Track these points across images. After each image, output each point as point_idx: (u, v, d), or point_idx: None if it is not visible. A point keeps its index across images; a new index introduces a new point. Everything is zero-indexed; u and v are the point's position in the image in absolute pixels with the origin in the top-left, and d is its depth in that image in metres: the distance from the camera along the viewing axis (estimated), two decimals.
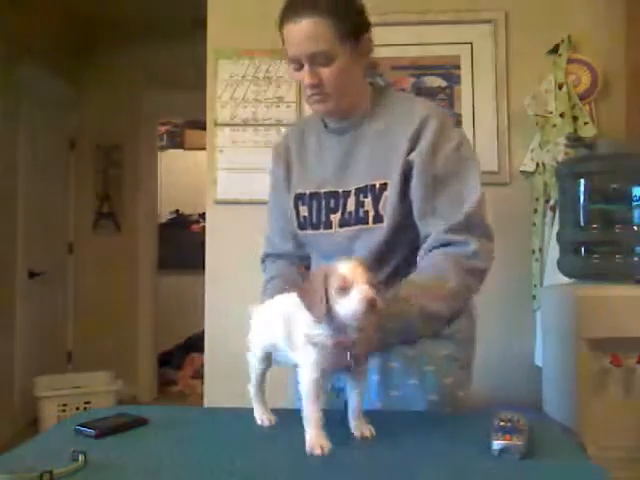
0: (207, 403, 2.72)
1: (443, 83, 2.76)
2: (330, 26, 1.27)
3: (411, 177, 1.30)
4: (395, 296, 1.21)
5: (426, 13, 2.76)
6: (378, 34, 2.86)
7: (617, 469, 1.81)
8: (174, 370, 5.05)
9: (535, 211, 2.64)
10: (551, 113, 2.63)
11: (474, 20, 2.75)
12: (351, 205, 1.35)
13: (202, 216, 5.38)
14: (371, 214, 1.32)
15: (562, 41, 2.68)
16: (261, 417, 1.17)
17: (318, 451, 0.99)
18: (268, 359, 1.19)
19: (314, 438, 1.01)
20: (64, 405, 3.53)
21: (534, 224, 2.64)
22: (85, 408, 3.46)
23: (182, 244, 5.55)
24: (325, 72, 1.30)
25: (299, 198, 1.44)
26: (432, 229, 1.29)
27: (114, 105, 4.70)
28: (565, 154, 2.56)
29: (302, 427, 1.18)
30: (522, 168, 2.69)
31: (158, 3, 4.12)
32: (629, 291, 2.14)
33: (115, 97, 4.70)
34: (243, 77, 2.80)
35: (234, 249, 2.76)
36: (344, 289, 0.98)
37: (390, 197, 1.31)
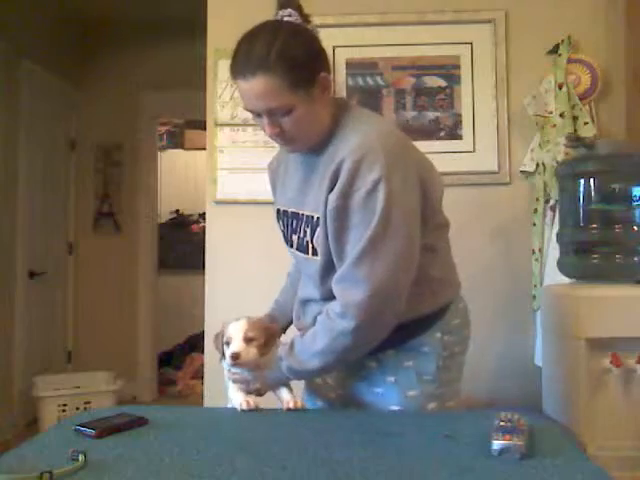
0: (207, 403, 2.72)
1: (443, 83, 2.76)
2: (280, 81, 1.23)
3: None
4: (279, 351, 1.35)
5: (426, 13, 2.76)
6: (378, 34, 2.88)
7: (617, 469, 1.82)
8: (174, 370, 5.05)
9: (535, 211, 2.64)
10: (551, 113, 2.63)
11: (474, 20, 2.75)
12: (302, 232, 1.38)
13: (202, 216, 5.38)
14: (310, 246, 1.35)
15: (562, 41, 2.67)
16: (242, 402, 1.30)
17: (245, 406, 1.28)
18: None
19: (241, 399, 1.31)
20: (64, 405, 3.53)
21: (534, 224, 2.64)
22: (85, 408, 3.46)
23: (182, 244, 5.55)
24: (285, 122, 1.27)
25: (277, 213, 1.50)
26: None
27: (114, 105, 4.70)
28: (565, 154, 2.56)
29: (302, 427, 1.18)
30: (522, 168, 2.69)
31: (158, 3, 4.13)
32: (629, 291, 2.14)
33: (115, 97, 4.70)
34: None
35: (234, 249, 2.76)
36: (227, 343, 1.34)
37: (320, 232, 1.30)
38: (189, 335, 5.11)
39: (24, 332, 3.96)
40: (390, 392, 1.36)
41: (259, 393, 1.36)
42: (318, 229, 1.30)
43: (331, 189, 1.26)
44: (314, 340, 1.30)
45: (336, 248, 1.28)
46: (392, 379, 1.36)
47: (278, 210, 1.49)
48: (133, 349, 4.71)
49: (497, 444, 1.01)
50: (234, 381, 1.36)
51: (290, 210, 1.42)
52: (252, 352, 1.31)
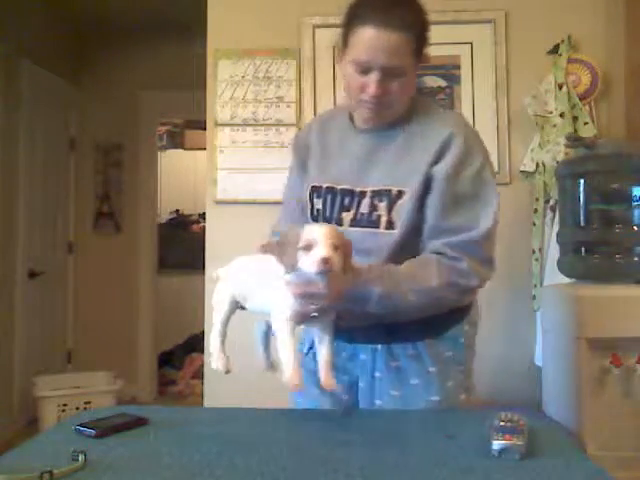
0: (207, 403, 2.72)
1: (443, 83, 2.76)
2: (410, 42, 1.26)
3: (429, 191, 1.29)
4: (367, 270, 1.23)
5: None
6: None
7: (617, 469, 1.81)
8: (174, 370, 5.05)
9: (535, 211, 2.63)
10: (551, 113, 2.63)
11: (474, 20, 2.75)
12: (365, 207, 1.34)
13: (202, 216, 5.38)
14: (384, 219, 1.31)
15: (562, 41, 2.67)
16: (217, 363, 1.24)
17: (293, 389, 1.11)
18: (234, 306, 1.30)
19: (290, 377, 1.11)
20: (64, 405, 3.53)
21: (534, 224, 2.64)
22: (85, 408, 3.46)
23: (182, 244, 5.54)
24: (394, 85, 1.28)
25: (315, 190, 1.42)
26: (435, 244, 1.28)
27: (114, 105, 4.70)
28: (565, 154, 2.56)
29: (302, 427, 1.18)
30: (522, 168, 2.69)
31: (158, 3, 4.12)
32: (629, 291, 2.14)
33: (115, 97, 4.70)
34: (243, 77, 2.80)
35: (234, 249, 2.75)
36: (307, 248, 1.12)
37: (406, 206, 1.29)
38: (189, 335, 5.10)
39: (24, 332, 3.96)
40: (430, 383, 1.35)
41: (315, 315, 1.18)
42: (400, 202, 1.30)
43: (436, 162, 1.29)
44: (429, 275, 1.24)
45: (436, 222, 1.28)
46: (434, 369, 1.35)
47: (316, 187, 1.43)
48: (133, 349, 4.70)
49: (497, 444, 1.01)
50: (301, 295, 1.15)
51: (340, 187, 1.38)
52: (339, 262, 1.12)
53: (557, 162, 2.56)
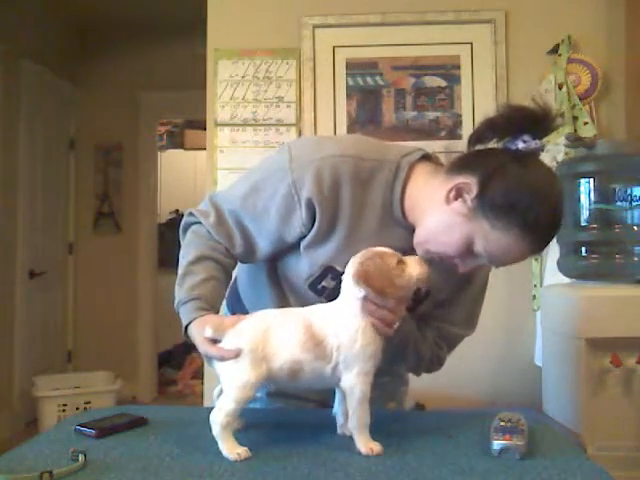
0: (207, 403, 2.72)
1: (443, 83, 2.76)
2: None
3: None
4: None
5: (426, 13, 2.76)
6: (378, 34, 2.88)
7: (617, 469, 1.81)
8: (174, 370, 5.05)
9: None
10: None
11: (474, 20, 2.75)
12: None
13: None
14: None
15: (562, 41, 2.68)
16: (238, 452, 1.01)
17: (371, 452, 1.02)
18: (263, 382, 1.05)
19: (366, 443, 1.03)
20: (64, 405, 3.53)
21: None
22: (85, 408, 3.46)
23: None
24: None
25: (331, 272, 1.21)
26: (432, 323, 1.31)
27: (114, 105, 4.70)
28: (565, 154, 2.56)
29: (302, 427, 1.18)
30: None
31: (158, 3, 4.13)
32: (629, 291, 2.14)
33: (115, 97, 4.70)
34: (243, 77, 2.80)
35: None
36: (401, 262, 1.07)
37: (426, 303, 1.27)
38: None
39: (24, 332, 3.96)
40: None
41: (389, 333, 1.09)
42: (426, 302, 1.27)
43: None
44: (425, 349, 1.29)
45: (452, 307, 1.30)
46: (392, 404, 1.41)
47: (333, 269, 1.20)
48: (133, 349, 4.70)
49: (497, 444, 1.01)
50: (379, 316, 1.06)
51: None
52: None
53: (557, 162, 2.56)
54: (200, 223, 1.24)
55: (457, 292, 1.28)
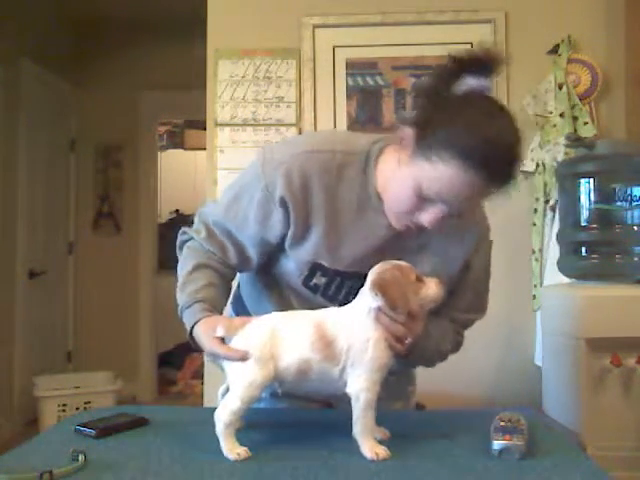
0: (207, 403, 2.72)
1: None
2: (493, 194, 1.11)
3: (460, 280, 1.28)
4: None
5: (426, 13, 2.76)
6: (378, 34, 2.88)
7: (617, 469, 1.82)
8: (174, 370, 5.05)
9: (535, 211, 2.63)
10: (551, 113, 2.63)
11: (474, 20, 2.75)
12: None
13: None
14: None
15: (562, 41, 2.68)
16: (238, 452, 1.00)
17: (376, 457, 1.00)
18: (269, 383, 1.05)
19: (371, 447, 1.02)
20: (64, 405, 3.53)
21: (534, 224, 2.64)
22: (85, 408, 3.46)
23: None
24: (449, 218, 1.11)
25: (319, 268, 1.22)
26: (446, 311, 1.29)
27: (114, 105, 4.70)
28: (565, 154, 2.56)
29: (302, 427, 1.18)
30: (522, 168, 2.68)
31: (158, 3, 4.12)
32: (629, 291, 2.14)
33: (115, 97, 4.70)
34: (243, 77, 2.80)
35: None
36: (420, 279, 1.07)
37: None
38: None
39: (24, 332, 3.96)
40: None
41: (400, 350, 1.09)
42: None
43: (469, 255, 1.26)
44: (446, 341, 1.29)
45: (461, 295, 1.30)
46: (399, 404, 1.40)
47: (321, 266, 1.21)
48: (133, 349, 4.71)
49: (497, 444, 1.01)
50: (392, 330, 1.06)
51: (353, 270, 1.20)
52: None
53: (557, 162, 2.56)
54: (193, 239, 1.27)
55: (459, 281, 1.27)
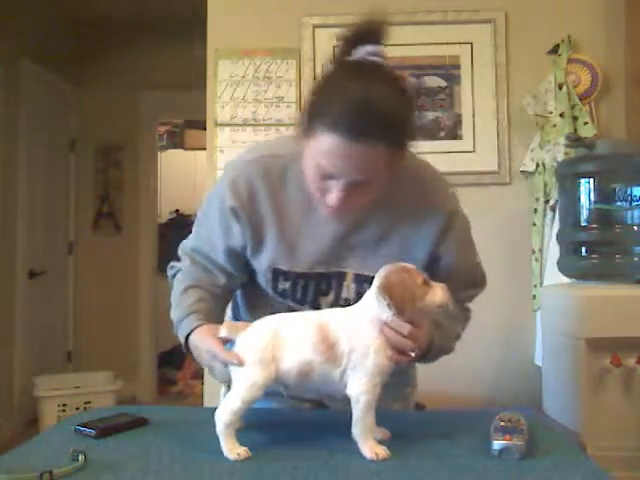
0: (207, 403, 2.72)
1: (443, 83, 2.76)
2: (387, 152, 1.03)
3: (436, 269, 1.23)
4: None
5: (426, 13, 2.76)
6: None
7: (617, 469, 1.82)
8: (174, 370, 5.05)
9: (535, 211, 2.64)
10: (551, 113, 2.63)
11: (474, 20, 2.75)
12: (349, 292, 1.22)
13: None
14: None
15: (562, 41, 2.68)
16: (238, 452, 1.00)
17: (376, 457, 1.00)
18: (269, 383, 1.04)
19: (371, 448, 1.01)
20: (64, 405, 3.53)
21: (534, 224, 2.64)
22: (85, 408, 3.46)
23: None
24: (358, 195, 1.08)
25: (280, 273, 1.23)
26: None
27: (114, 105, 4.70)
28: (565, 154, 2.56)
29: (302, 427, 1.18)
30: (522, 168, 2.69)
31: (158, 3, 4.13)
32: (629, 291, 2.14)
33: (115, 97, 4.70)
34: (243, 77, 2.80)
35: None
36: (427, 284, 1.06)
37: None
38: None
39: (24, 332, 3.96)
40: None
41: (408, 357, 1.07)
42: None
43: (437, 244, 1.23)
44: (457, 326, 1.29)
45: (454, 278, 1.23)
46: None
47: (282, 271, 1.22)
48: (133, 349, 4.71)
49: (497, 444, 1.01)
50: (395, 342, 1.04)
51: (315, 271, 1.21)
52: None
53: (557, 162, 2.56)
54: (181, 270, 1.31)
55: (439, 270, 1.23)
